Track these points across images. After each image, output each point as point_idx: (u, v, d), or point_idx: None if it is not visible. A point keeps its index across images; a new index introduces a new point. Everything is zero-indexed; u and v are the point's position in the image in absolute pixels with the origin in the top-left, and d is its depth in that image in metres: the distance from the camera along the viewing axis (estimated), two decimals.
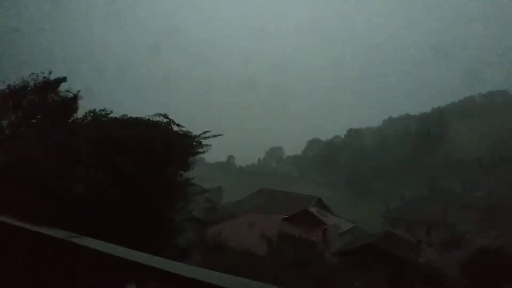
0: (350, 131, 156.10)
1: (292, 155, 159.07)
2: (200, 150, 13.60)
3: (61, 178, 9.45)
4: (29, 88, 11.62)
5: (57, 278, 4.86)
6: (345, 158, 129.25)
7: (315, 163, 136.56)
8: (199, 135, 13.30)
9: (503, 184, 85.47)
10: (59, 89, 12.01)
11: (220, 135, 13.75)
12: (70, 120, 11.66)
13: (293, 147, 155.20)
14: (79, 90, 12.31)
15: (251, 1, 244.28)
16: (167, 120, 12.71)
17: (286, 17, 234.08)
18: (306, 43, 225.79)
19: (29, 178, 9.45)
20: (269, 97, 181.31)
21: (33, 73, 11.83)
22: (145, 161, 11.44)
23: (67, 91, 12.03)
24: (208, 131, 13.52)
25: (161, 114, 12.66)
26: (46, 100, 11.71)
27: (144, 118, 12.63)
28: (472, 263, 33.32)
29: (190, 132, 13.22)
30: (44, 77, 11.88)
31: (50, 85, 11.83)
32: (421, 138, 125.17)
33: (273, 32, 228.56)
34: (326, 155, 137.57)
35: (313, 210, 51.09)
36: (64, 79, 12.15)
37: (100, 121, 12.08)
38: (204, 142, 13.62)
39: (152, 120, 12.57)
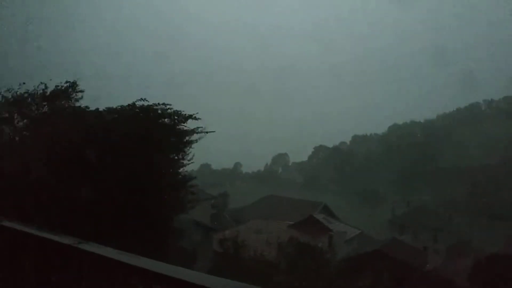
0: (355, 138, 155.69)
1: (298, 162, 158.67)
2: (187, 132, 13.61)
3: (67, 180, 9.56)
4: (36, 96, 11.76)
5: (63, 283, 4.90)
6: (351, 164, 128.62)
7: (320, 170, 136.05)
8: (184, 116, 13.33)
9: (509, 191, 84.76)
10: (72, 95, 12.18)
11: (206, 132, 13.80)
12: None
13: (299, 153, 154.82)
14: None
15: (256, 8, 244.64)
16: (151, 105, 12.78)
17: (290, 23, 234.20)
18: (310, 49, 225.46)
19: (34, 182, 9.56)
20: (274, 104, 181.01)
21: (41, 83, 12.00)
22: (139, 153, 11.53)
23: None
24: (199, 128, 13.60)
25: (142, 98, 12.75)
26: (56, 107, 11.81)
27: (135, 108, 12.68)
28: (480, 270, 33.07)
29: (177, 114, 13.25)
30: (56, 86, 12.06)
31: (61, 93, 11.99)
32: (427, 145, 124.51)
33: (277, 38, 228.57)
34: (332, 162, 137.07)
35: (319, 216, 50.97)
36: (74, 84, 12.28)
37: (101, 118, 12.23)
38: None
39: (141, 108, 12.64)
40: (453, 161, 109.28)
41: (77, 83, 12.51)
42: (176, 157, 13.93)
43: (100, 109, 12.86)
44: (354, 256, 39.19)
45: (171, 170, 13.92)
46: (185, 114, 13.64)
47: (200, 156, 14.75)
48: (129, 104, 12.77)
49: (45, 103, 12.15)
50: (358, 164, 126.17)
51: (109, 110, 12.69)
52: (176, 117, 13.53)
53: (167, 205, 13.01)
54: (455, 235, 62.93)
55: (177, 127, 13.65)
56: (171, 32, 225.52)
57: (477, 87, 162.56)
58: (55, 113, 11.85)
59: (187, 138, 13.86)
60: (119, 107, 12.75)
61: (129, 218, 10.41)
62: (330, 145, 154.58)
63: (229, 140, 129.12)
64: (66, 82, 12.34)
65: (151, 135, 12.29)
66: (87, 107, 12.51)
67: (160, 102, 13.19)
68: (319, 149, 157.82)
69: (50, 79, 12.21)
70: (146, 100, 12.84)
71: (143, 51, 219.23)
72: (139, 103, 12.87)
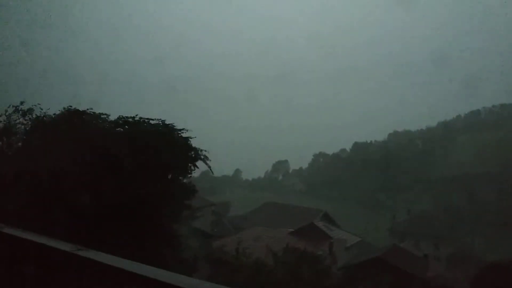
0: (355, 145, 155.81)
1: (297, 169, 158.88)
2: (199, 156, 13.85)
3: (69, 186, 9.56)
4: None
5: None
6: (351, 171, 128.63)
7: (320, 177, 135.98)
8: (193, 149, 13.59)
9: (510, 198, 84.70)
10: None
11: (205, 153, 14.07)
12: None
13: (299, 160, 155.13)
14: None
15: (255, 13, 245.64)
16: (167, 125, 13.00)
17: (290, 29, 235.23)
18: (310, 56, 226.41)
19: (37, 186, 9.56)
20: (275, 110, 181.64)
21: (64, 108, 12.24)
22: (148, 165, 11.61)
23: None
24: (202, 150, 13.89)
25: (160, 119, 12.94)
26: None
27: (146, 122, 12.87)
28: (480, 278, 32.92)
29: (188, 139, 13.50)
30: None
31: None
32: (427, 152, 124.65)
33: (277, 44, 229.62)
34: (332, 169, 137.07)
35: (319, 223, 50.89)
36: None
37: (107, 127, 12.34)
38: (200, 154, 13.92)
39: (151, 123, 12.83)
40: (453, 169, 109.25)
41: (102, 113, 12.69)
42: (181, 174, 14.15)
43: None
44: (354, 263, 39.08)
45: (179, 180, 14.08)
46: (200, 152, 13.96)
47: (201, 163, 14.83)
48: (141, 119, 12.93)
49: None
50: (358, 171, 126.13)
51: (124, 121, 12.82)
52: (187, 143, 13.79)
53: (168, 215, 13.07)
54: (456, 242, 62.86)
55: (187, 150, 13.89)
56: (170, 39, 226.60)
57: (478, 94, 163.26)
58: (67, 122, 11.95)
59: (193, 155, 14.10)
60: (133, 118, 12.89)
61: (129, 225, 10.40)
62: (331, 152, 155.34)
63: (229, 147, 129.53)
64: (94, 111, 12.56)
65: (160, 152, 12.44)
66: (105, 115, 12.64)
67: (178, 127, 13.47)
68: (319, 156, 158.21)
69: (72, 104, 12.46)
70: (164, 122, 13.05)
71: (143, 57, 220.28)
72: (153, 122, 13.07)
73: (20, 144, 12.02)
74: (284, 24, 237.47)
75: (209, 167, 14.38)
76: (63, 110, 12.40)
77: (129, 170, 11.04)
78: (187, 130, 13.49)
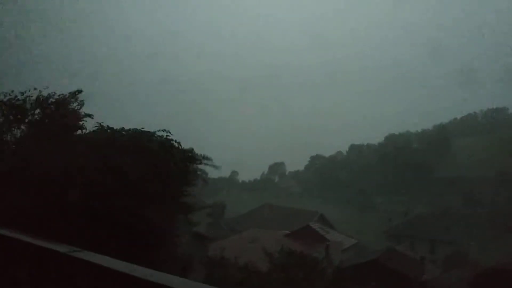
0: (352, 147, 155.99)
1: (294, 171, 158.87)
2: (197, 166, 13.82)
3: (62, 183, 9.46)
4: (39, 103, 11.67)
5: None
6: (347, 174, 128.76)
7: (317, 179, 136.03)
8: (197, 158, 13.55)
9: (506, 202, 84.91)
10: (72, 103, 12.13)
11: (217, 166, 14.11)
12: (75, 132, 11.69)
13: (295, 162, 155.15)
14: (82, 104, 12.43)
15: (254, 14, 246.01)
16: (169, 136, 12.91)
17: (289, 31, 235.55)
18: (307, 57, 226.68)
19: (30, 186, 9.48)
20: (271, 112, 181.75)
21: (47, 87, 11.94)
22: (147, 170, 11.52)
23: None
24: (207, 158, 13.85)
25: (164, 130, 12.84)
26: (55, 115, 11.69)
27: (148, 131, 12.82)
28: (477, 281, 32.95)
29: (190, 152, 13.45)
30: (60, 95, 12.00)
31: (64, 101, 11.94)
32: (423, 155, 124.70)
33: (275, 46, 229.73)
34: (328, 171, 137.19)
35: (316, 226, 50.89)
36: (78, 92, 12.26)
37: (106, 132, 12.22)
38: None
39: (155, 134, 12.76)
40: (450, 171, 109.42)
41: (79, 92, 12.39)
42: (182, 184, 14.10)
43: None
44: (350, 266, 39.04)
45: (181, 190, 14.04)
46: (202, 157, 14.01)
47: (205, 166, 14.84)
48: (144, 131, 12.87)
49: (46, 110, 11.98)
50: (354, 173, 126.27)
51: (122, 132, 12.70)
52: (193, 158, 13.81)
53: (165, 216, 12.99)
54: (452, 245, 62.89)
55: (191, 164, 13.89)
56: (169, 38, 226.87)
57: (475, 97, 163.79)
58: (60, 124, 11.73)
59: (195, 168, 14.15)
60: (133, 130, 12.77)
61: (126, 226, 10.33)
62: (327, 154, 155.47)
63: (226, 149, 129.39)
64: (70, 92, 12.29)
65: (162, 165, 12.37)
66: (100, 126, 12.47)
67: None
68: (315, 158, 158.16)
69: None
70: (168, 132, 12.95)
71: (141, 55, 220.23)
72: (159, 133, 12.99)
73: None
74: (282, 25, 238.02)
75: (215, 166, 14.41)
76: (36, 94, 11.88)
77: (125, 169, 10.96)
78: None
